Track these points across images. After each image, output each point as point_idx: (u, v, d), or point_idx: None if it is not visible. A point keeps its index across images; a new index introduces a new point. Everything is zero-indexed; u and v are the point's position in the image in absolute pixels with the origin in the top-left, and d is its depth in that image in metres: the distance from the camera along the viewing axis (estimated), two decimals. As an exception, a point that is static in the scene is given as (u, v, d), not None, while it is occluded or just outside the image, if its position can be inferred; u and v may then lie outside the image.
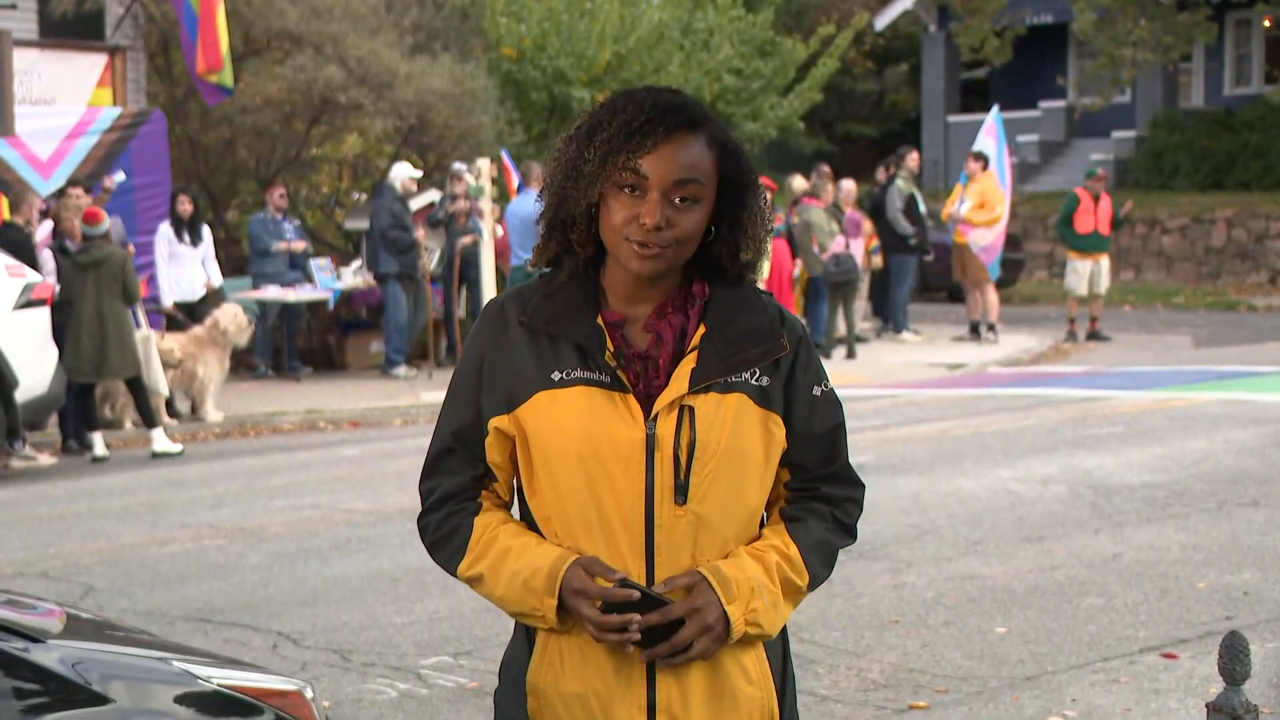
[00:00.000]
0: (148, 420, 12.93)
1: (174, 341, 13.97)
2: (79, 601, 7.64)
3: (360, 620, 7.25)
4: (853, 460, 2.93)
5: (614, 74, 22.32)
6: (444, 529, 2.79)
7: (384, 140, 20.03)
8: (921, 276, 21.33)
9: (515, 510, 2.86)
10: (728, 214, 2.72)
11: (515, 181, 18.07)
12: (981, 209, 19.17)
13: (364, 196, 19.95)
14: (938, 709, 5.89)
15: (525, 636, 2.80)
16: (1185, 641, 6.59)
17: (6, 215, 13.43)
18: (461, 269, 17.38)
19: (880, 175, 20.67)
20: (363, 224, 18.24)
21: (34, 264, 12.62)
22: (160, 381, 13.31)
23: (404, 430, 13.99)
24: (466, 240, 17.02)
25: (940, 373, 17.05)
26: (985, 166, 19.36)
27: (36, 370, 11.95)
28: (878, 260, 19.54)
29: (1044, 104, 33.14)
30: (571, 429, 2.69)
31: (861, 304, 19.61)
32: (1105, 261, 19.77)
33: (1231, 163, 29.36)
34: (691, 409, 2.68)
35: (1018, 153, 30.50)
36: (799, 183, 19.41)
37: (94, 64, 17.30)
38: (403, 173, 17.17)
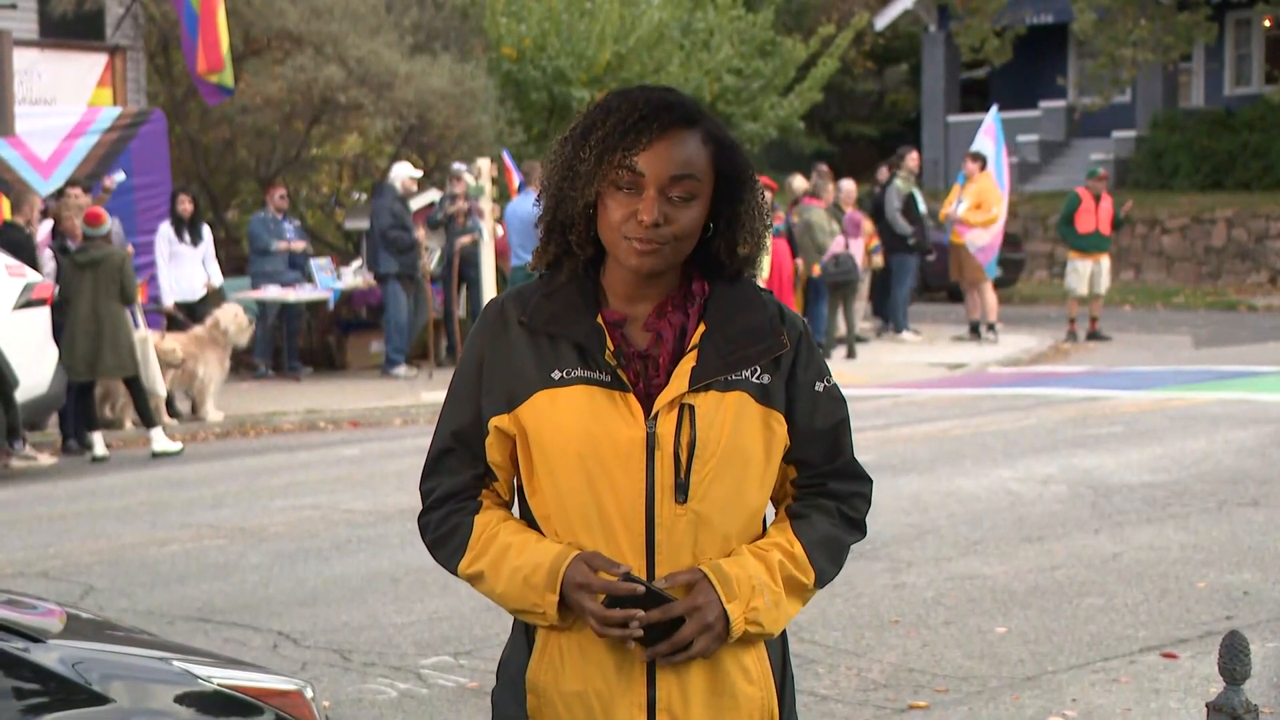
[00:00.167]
0: (146, 420, 12.93)
1: (175, 341, 13.97)
2: (79, 601, 7.64)
3: (360, 620, 7.25)
4: (854, 459, 2.92)
5: (614, 74, 22.31)
6: (444, 527, 2.79)
7: (384, 140, 20.03)
8: (921, 276, 21.34)
9: (516, 510, 2.87)
10: (725, 209, 2.73)
11: (516, 181, 18.07)
12: (978, 209, 19.17)
13: (364, 196, 19.95)
14: (938, 709, 5.89)
15: (524, 635, 2.80)
16: (1185, 641, 6.60)
17: (7, 215, 13.44)
18: (461, 269, 17.39)
19: (881, 175, 20.68)
20: (363, 224, 18.24)
21: (35, 264, 12.63)
22: (158, 382, 13.31)
23: (404, 430, 13.99)
24: (466, 240, 17.03)
25: (940, 373, 17.05)
26: (983, 167, 19.36)
27: (36, 370, 11.96)
28: (878, 260, 19.54)
29: (1044, 104, 33.14)
30: (572, 428, 2.69)
31: (862, 304, 19.61)
32: (1106, 261, 19.77)
33: (1231, 163, 29.36)
34: (692, 407, 2.68)
35: (1018, 153, 30.50)
36: (799, 183, 19.41)
37: (94, 64, 17.30)
38: (403, 173, 17.18)
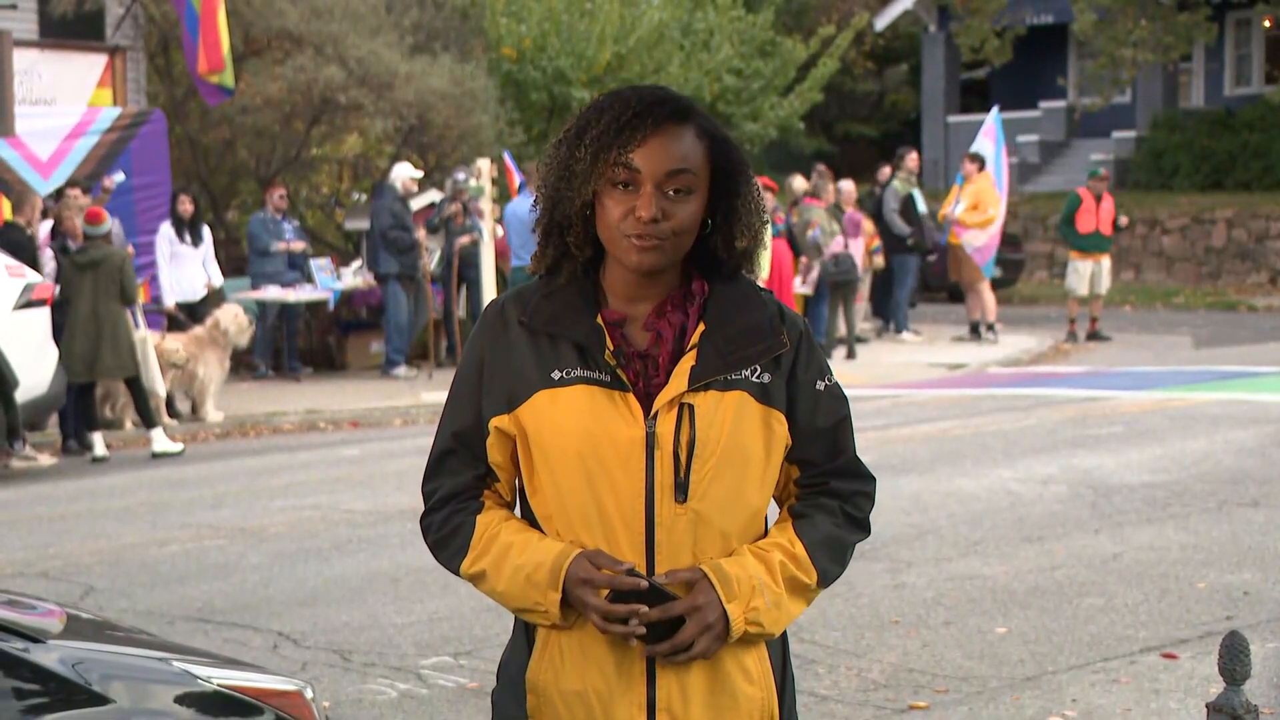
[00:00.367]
0: (147, 420, 12.93)
1: (177, 342, 13.98)
2: (79, 601, 7.64)
3: (360, 620, 7.25)
4: (855, 459, 2.92)
5: (614, 74, 22.32)
6: (446, 528, 2.80)
7: (384, 140, 20.03)
8: (921, 277, 21.34)
9: (517, 510, 2.87)
10: (722, 204, 2.73)
11: (517, 181, 18.07)
12: (975, 210, 19.19)
13: (364, 197, 19.95)
14: (938, 709, 5.89)
15: (525, 636, 2.80)
16: (1185, 641, 6.60)
17: (8, 216, 13.43)
18: (461, 269, 17.39)
19: (883, 175, 20.68)
20: (363, 224, 18.24)
21: (35, 265, 12.63)
22: (158, 382, 13.31)
23: (404, 430, 13.99)
24: (465, 240, 17.03)
25: (940, 373, 17.05)
26: (981, 167, 19.36)
27: (36, 370, 11.96)
28: (879, 260, 19.54)
29: (1044, 104, 33.15)
30: (571, 428, 2.69)
31: (862, 304, 19.61)
32: (1106, 262, 19.77)
33: (1231, 163, 29.36)
34: (691, 407, 2.69)
35: (1018, 153, 30.50)
36: (799, 183, 19.41)
37: (94, 64, 17.30)
38: (403, 173, 17.18)
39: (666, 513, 2.68)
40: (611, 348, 2.71)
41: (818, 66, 26.07)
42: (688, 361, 2.70)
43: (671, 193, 2.66)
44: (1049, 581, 7.61)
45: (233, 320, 14.23)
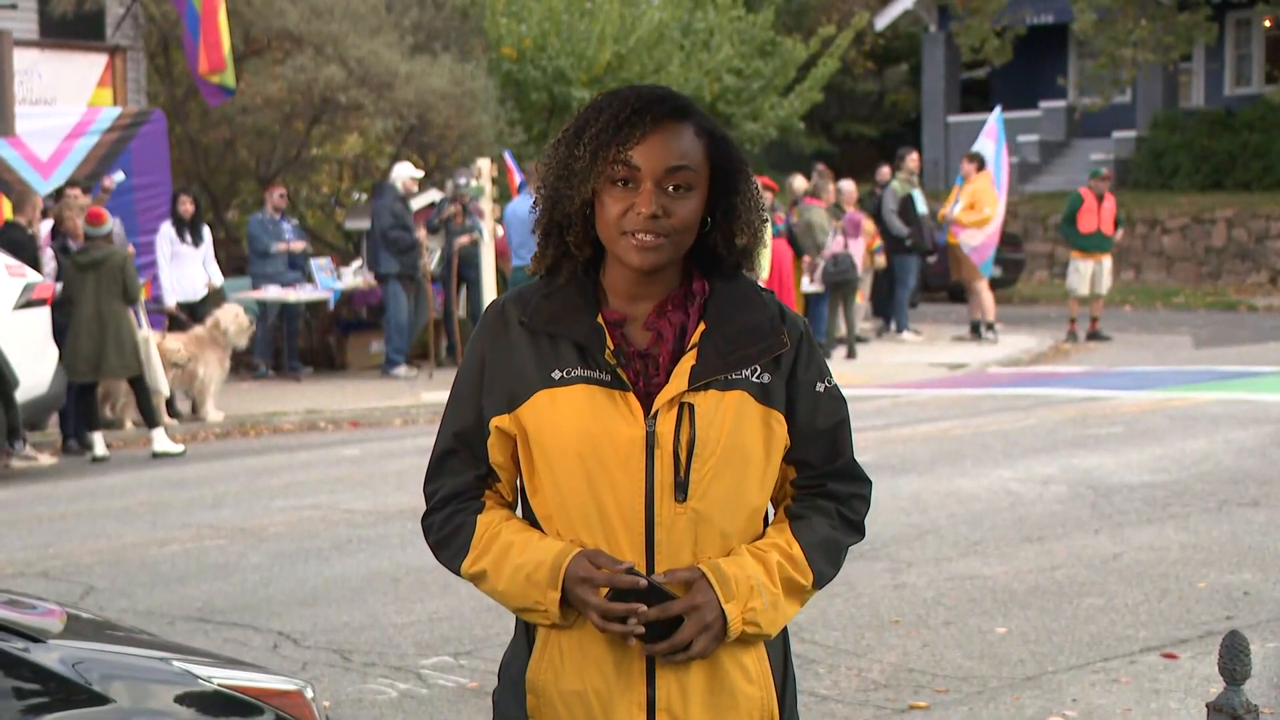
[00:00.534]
0: (150, 420, 12.93)
1: (178, 341, 13.98)
2: (79, 601, 7.64)
3: (360, 620, 7.25)
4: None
5: (614, 74, 22.32)
6: (447, 528, 2.80)
7: (384, 140, 20.03)
8: (922, 276, 21.34)
9: (519, 511, 2.87)
10: (721, 202, 2.73)
11: (518, 181, 18.07)
12: (972, 210, 19.21)
13: (364, 196, 19.95)
14: (938, 709, 5.89)
15: (525, 636, 2.80)
16: (1185, 641, 6.60)
17: (9, 215, 13.43)
18: (461, 269, 17.39)
19: (882, 175, 20.68)
20: (363, 224, 18.24)
21: (36, 265, 12.63)
22: (161, 381, 13.31)
23: (404, 430, 13.99)
24: (464, 240, 17.03)
25: (940, 373, 17.05)
26: (980, 167, 19.36)
27: (37, 370, 11.96)
28: (881, 260, 19.54)
29: (1044, 104, 33.15)
30: (571, 427, 2.69)
31: (862, 304, 19.61)
32: (1107, 262, 19.76)
33: (1232, 163, 29.36)
34: (691, 406, 2.69)
35: (1018, 153, 30.50)
36: (800, 183, 19.41)
37: (94, 64, 17.30)
38: (404, 173, 17.18)
39: (666, 512, 2.69)
40: (612, 347, 2.71)
41: (818, 66, 26.07)
42: (688, 361, 2.70)
43: (671, 190, 2.66)
44: (1049, 581, 7.61)
45: (233, 320, 14.23)
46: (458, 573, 2.80)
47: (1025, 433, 12.17)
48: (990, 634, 6.79)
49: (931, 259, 21.66)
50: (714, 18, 24.97)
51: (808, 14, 35.01)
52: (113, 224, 13.08)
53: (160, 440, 12.83)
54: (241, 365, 16.74)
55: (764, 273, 15.88)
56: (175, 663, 3.51)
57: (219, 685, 3.44)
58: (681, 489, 2.68)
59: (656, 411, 2.68)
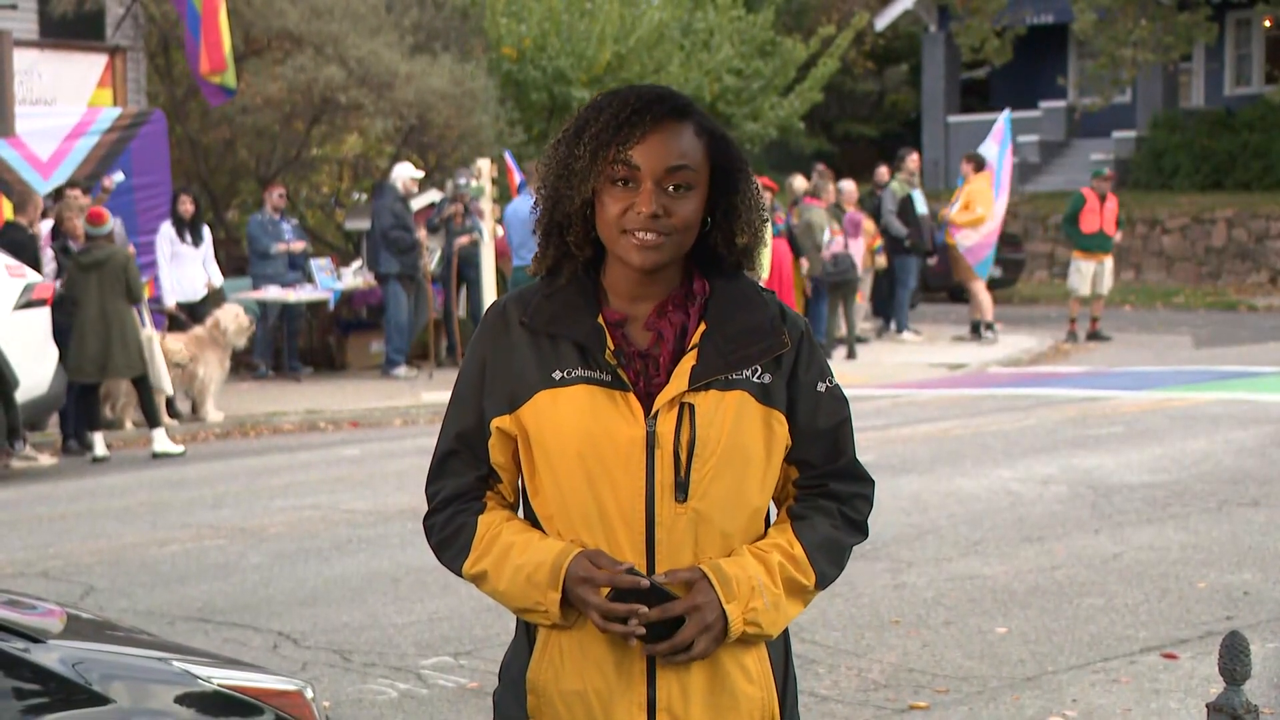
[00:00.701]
0: (151, 420, 12.92)
1: (179, 341, 13.99)
2: (79, 601, 7.64)
3: (360, 620, 7.25)
4: (855, 459, 2.92)
5: (614, 74, 22.31)
6: (449, 529, 2.80)
7: (384, 140, 20.03)
8: (922, 276, 21.34)
9: (520, 512, 2.87)
10: (721, 201, 2.73)
11: (518, 181, 18.07)
12: (966, 210, 19.23)
13: (364, 197, 19.96)
14: (938, 709, 5.89)
15: (526, 637, 2.80)
16: (1185, 641, 6.60)
17: (9, 216, 13.43)
18: (461, 269, 17.40)
19: (880, 175, 20.67)
20: (363, 224, 18.24)
21: (37, 265, 12.63)
22: (164, 380, 13.32)
23: (404, 430, 13.99)
24: (464, 240, 17.04)
25: (941, 373, 17.05)
26: (978, 168, 19.35)
27: (37, 370, 11.96)
28: (881, 260, 19.53)
29: (1044, 104, 33.14)
30: (572, 428, 2.69)
31: (863, 304, 19.61)
32: (1109, 262, 19.76)
33: (1232, 163, 29.36)
34: (692, 406, 2.69)
35: (1018, 153, 30.48)
36: (800, 183, 19.41)
37: (94, 64, 17.30)
38: (404, 173, 17.18)
39: (667, 512, 2.68)
40: (612, 347, 2.71)
41: (818, 66, 26.06)
42: (688, 361, 2.70)
43: (671, 189, 2.66)
44: (1049, 581, 7.61)
45: (233, 320, 14.23)
46: (459, 574, 2.80)
47: (1025, 433, 12.17)
48: (990, 634, 6.79)
49: (932, 260, 21.66)
50: (714, 18, 24.97)
51: (808, 14, 35.01)
52: (113, 224, 13.08)
53: (160, 440, 12.83)
54: (241, 365, 16.74)
55: (764, 273, 15.87)
56: (175, 663, 3.51)
57: (219, 685, 3.44)
58: (682, 489, 2.68)
59: (657, 411, 2.68)
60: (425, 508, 2.86)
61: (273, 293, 16.71)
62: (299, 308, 17.26)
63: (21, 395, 11.77)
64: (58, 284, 12.78)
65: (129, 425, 13.82)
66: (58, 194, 14.46)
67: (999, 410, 13.61)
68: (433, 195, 18.00)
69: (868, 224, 19.06)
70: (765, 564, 2.72)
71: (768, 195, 16.07)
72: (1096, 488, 9.78)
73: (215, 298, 15.61)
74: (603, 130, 2.67)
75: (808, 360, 2.79)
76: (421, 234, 17.00)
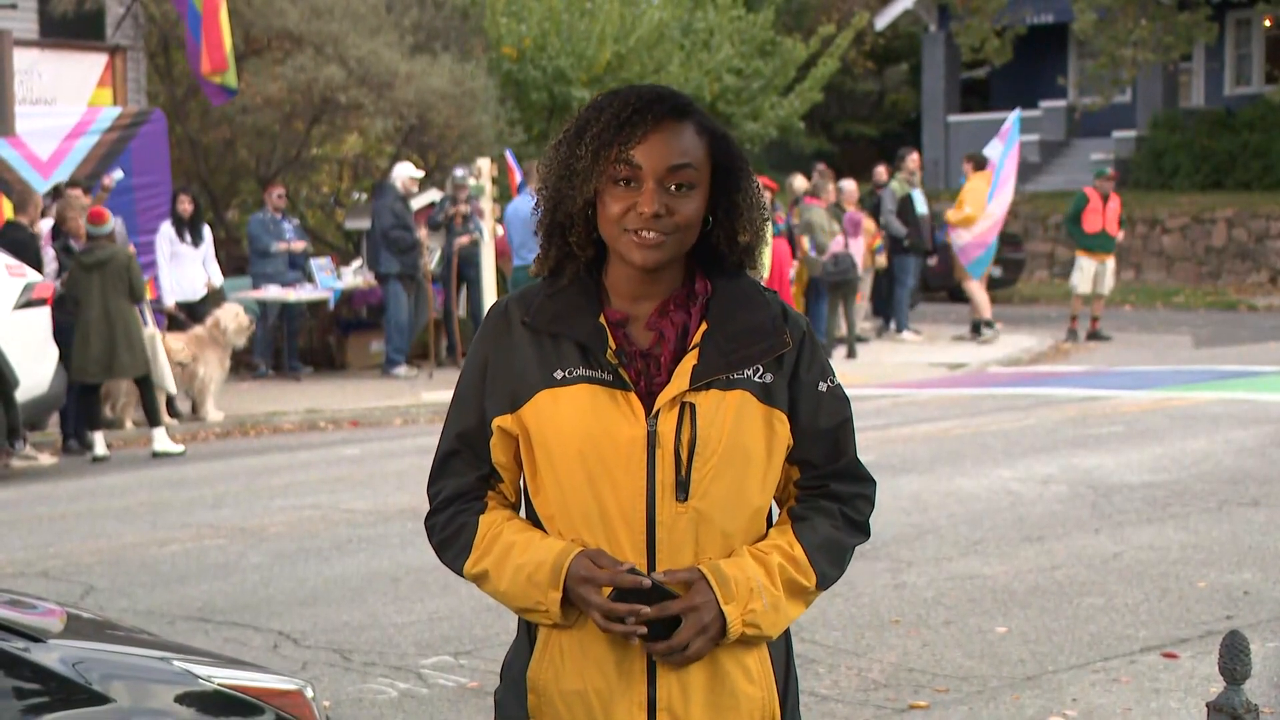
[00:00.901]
0: (153, 419, 12.92)
1: (181, 340, 13.99)
2: (79, 601, 7.64)
3: (360, 620, 7.26)
4: (855, 459, 2.92)
5: (614, 74, 22.31)
6: (450, 529, 2.80)
7: (384, 140, 20.03)
8: (922, 276, 21.34)
9: (522, 512, 2.87)
10: (723, 200, 2.74)
11: (519, 181, 18.07)
12: (958, 209, 19.25)
13: (364, 196, 19.96)
14: (938, 709, 5.89)
15: (527, 636, 2.81)
16: (1185, 641, 6.60)
17: (9, 215, 13.43)
18: (461, 269, 17.40)
19: (879, 175, 20.66)
20: (363, 224, 18.24)
21: (38, 264, 12.63)
22: (167, 379, 13.33)
23: (404, 430, 13.99)
24: (465, 240, 17.04)
25: (941, 372, 17.05)
26: (978, 167, 19.34)
27: (37, 370, 11.96)
28: (881, 260, 19.53)
29: (1044, 104, 33.14)
30: (573, 427, 2.69)
31: (863, 303, 19.61)
32: (1111, 262, 19.75)
33: (1232, 162, 29.36)
34: (693, 405, 2.69)
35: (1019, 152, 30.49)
36: (800, 182, 19.41)
37: (94, 64, 17.29)
38: (404, 172, 17.18)
39: (668, 512, 2.68)
40: (614, 347, 2.71)
41: (818, 66, 26.06)
42: (689, 360, 2.70)
43: (673, 188, 2.66)
44: (1049, 581, 7.61)
45: (233, 320, 14.23)
46: (461, 574, 2.80)
47: (1025, 432, 12.17)
48: (990, 634, 6.79)
49: (932, 260, 21.65)
50: (714, 17, 24.97)
51: (808, 14, 35.01)
52: (114, 223, 13.08)
53: (161, 440, 12.83)
54: (241, 365, 16.74)
55: (764, 272, 15.88)
56: (175, 662, 3.51)
57: (219, 685, 3.44)
58: (683, 488, 2.68)
59: (658, 411, 2.68)
60: (426, 508, 2.86)
61: (273, 292, 16.71)
62: (299, 307, 17.27)
63: (21, 395, 11.77)
64: (58, 283, 12.78)
65: (129, 425, 13.82)
66: (56, 192, 14.47)
67: (999, 410, 13.61)
68: (433, 195, 18.00)
69: (868, 223, 19.05)
70: (765, 565, 2.72)
71: (768, 195, 16.08)
72: (1096, 487, 9.78)
73: (215, 297, 15.61)
74: (604, 130, 2.67)
75: (809, 360, 2.79)
76: (422, 233, 17.00)
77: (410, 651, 6.73)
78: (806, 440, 2.78)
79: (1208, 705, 3.09)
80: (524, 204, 16.35)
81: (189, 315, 15.07)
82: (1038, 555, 8.13)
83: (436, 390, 15.41)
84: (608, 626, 2.64)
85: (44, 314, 12.09)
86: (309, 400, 15.34)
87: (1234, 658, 3.03)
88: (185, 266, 15.60)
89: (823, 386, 2.80)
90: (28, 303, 11.88)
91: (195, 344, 14.07)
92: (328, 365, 18.11)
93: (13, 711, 3.11)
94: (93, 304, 12.54)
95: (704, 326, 2.73)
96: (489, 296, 16.86)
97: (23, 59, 15.44)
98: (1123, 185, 29.34)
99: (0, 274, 11.77)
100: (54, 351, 12.20)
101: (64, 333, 12.45)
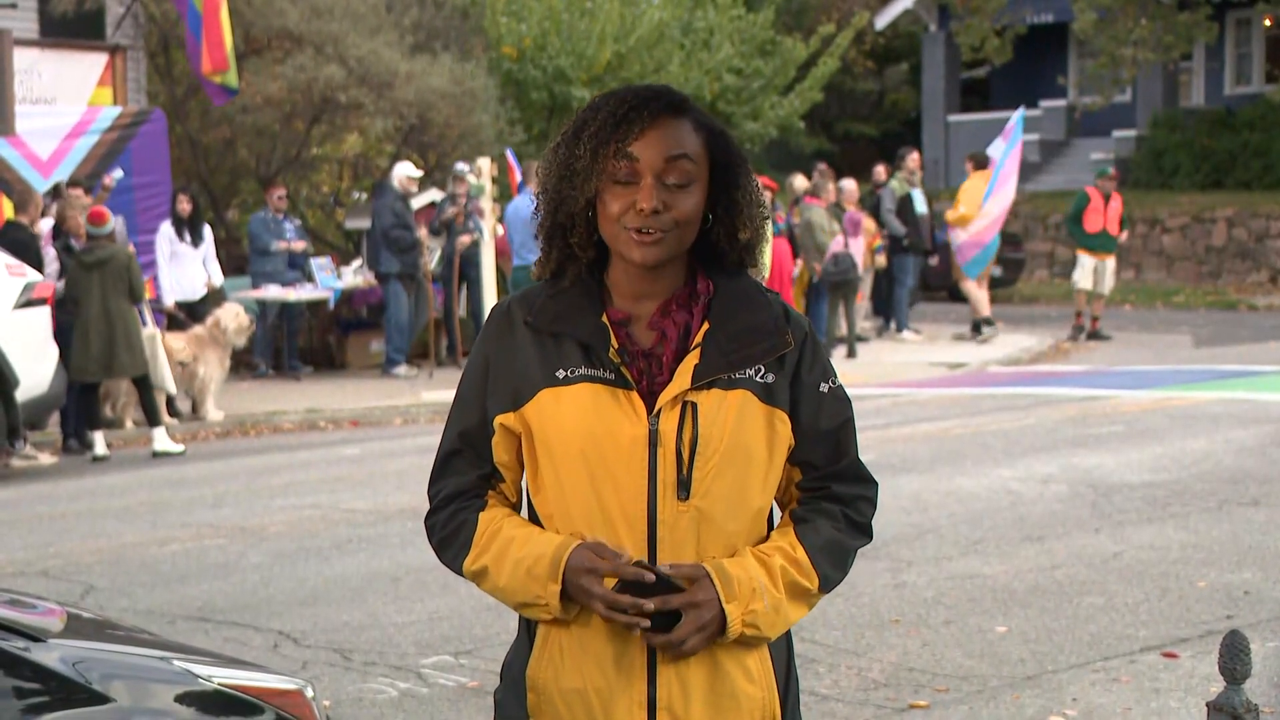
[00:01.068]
0: (151, 419, 12.92)
1: (181, 340, 13.99)
2: (79, 601, 7.64)
3: (360, 620, 7.26)
4: (855, 459, 2.91)
5: (614, 73, 22.31)
6: (449, 527, 2.79)
7: (384, 140, 20.03)
8: (922, 276, 21.34)
9: (523, 512, 2.86)
10: (722, 197, 2.74)
11: (519, 181, 18.07)
12: (954, 209, 19.25)
13: (364, 196, 19.96)
14: (938, 708, 5.89)
15: (527, 635, 2.80)
16: (1186, 641, 6.60)
17: (9, 215, 13.43)
18: (462, 268, 17.40)
19: (878, 175, 20.65)
20: (364, 223, 18.24)
21: (39, 264, 12.63)
22: (167, 379, 13.33)
23: (404, 430, 13.99)
24: (465, 239, 17.04)
25: (941, 372, 17.05)
26: (978, 166, 19.32)
27: (37, 370, 11.96)
28: (881, 259, 19.53)
29: (1044, 103, 33.14)
30: (575, 425, 2.69)
31: (863, 303, 19.60)
32: (1111, 262, 19.74)
33: (1232, 162, 29.36)
34: (694, 405, 2.69)
35: (1019, 152, 30.46)
36: (800, 182, 19.41)
37: (94, 63, 17.30)
38: (402, 172, 17.18)
39: (669, 510, 2.68)
40: (616, 346, 2.71)
41: (818, 65, 26.07)
42: (691, 360, 2.71)
43: (672, 184, 2.67)
44: (1049, 581, 7.61)
45: (233, 319, 14.23)
46: (460, 572, 2.80)
47: (1025, 432, 12.17)
48: (990, 633, 6.79)
49: (932, 259, 21.63)
50: (714, 17, 24.98)
51: (808, 13, 35.01)
52: (115, 223, 13.08)
53: (161, 439, 12.83)
54: (241, 365, 16.74)
55: (765, 271, 15.87)
56: (176, 662, 3.51)
57: (219, 684, 3.44)
58: (684, 487, 2.68)
59: (659, 410, 2.68)
60: (426, 507, 2.86)
61: (273, 292, 16.72)
62: (299, 307, 17.27)
63: (22, 394, 11.77)
64: (59, 283, 12.78)
65: (129, 424, 13.82)
66: (55, 191, 14.47)
67: (999, 409, 13.61)
68: (433, 194, 18.00)
69: (868, 223, 19.04)
70: (767, 567, 2.72)
71: (768, 195, 16.08)
72: (1097, 487, 9.78)
73: (215, 297, 15.61)
74: (601, 128, 2.68)
75: (811, 361, 2.79)
76: (422, 233, 17.00)
77: (410, 651, 6.73)
78: (808, 441, 2.78)
79: (1208, 705, 3.09)
80: (524, 204, 16.35)
81: (189, 315, 15.07)
82: (1038, 555, 8.13)
83: (436, 390, 15.40)
84: (610, 616, 2.63)
85: (44, 314, 12.09)
86: (309, 400, 15.35)
87: (1234, 657, 3.03)
88: (185, 266, 15.60)
89: (824, 387, 2.80)
90: (28, 302, 11.88)
91: (195, 344, 14.07)
92: (328, 365, 18.12)
93: (13, 711, 3.11)
94: (92, 303, 12.54)
95: (706, 326, 2.73)
96: (489, 296, 16.86)
97: (23, 59, 15.44)
98: (1123, 185, 29.32)
99: (0, 274, 11.77)
100: (54, 351, 12.20)
101: (65, 332, 12.45)
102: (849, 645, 6.66)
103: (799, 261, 18.00)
